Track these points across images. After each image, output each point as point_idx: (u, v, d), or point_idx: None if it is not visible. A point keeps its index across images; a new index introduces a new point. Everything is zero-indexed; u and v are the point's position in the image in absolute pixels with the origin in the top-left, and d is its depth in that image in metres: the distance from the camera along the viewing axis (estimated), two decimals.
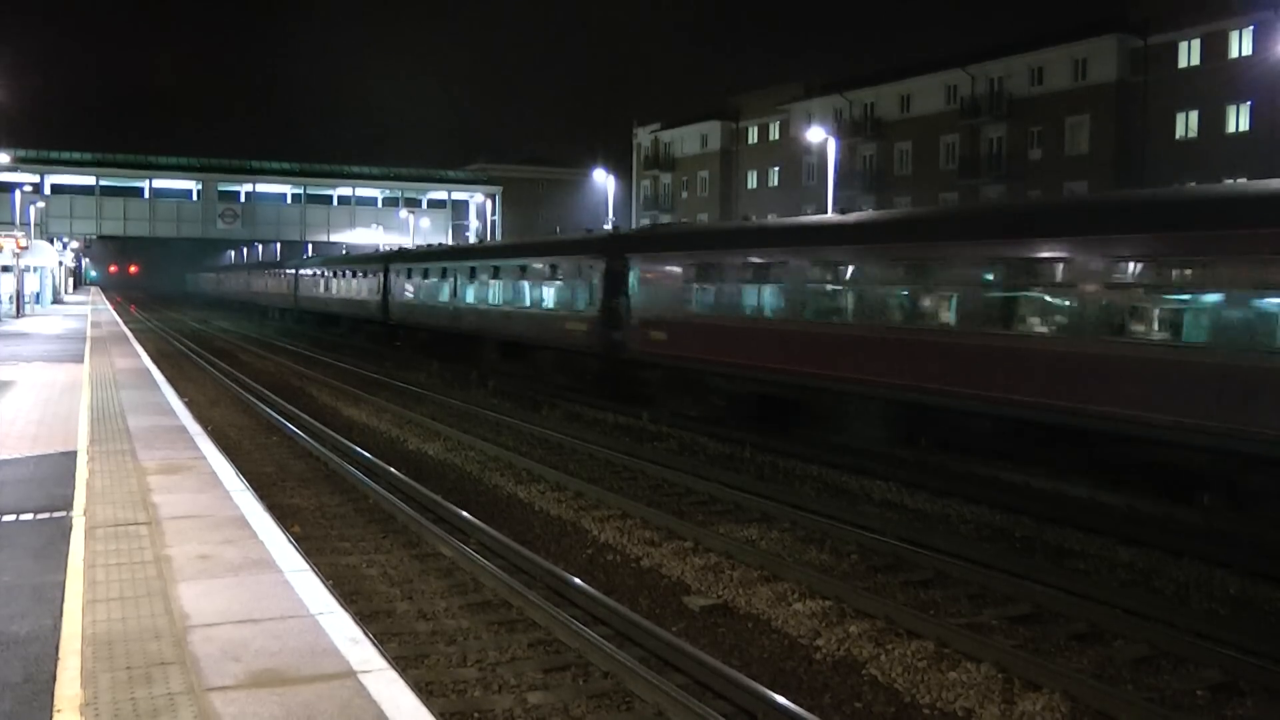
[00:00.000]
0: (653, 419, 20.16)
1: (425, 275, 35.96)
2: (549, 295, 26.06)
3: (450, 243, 64.65)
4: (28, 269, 47.90)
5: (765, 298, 18.12)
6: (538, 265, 26.80)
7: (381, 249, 64.00)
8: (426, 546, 10.96)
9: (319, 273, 53.74)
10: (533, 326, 26.80)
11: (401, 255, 42.21)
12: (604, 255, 23.17)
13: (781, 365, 17.11)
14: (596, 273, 23.34)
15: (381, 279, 40.82)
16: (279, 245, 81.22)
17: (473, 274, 31.32)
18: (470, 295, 31.49)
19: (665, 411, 20.39)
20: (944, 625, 8.49)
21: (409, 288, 37.94)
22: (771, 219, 31.50)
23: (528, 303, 27.22)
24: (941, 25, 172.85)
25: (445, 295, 33.54)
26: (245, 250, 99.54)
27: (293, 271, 60.16)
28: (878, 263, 15.79)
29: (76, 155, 69.57)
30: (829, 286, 16.92)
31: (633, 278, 21.72)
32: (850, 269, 16.43)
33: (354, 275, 45.92)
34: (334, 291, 49.73)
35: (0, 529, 7.87)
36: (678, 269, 20.41)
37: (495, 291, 29.64)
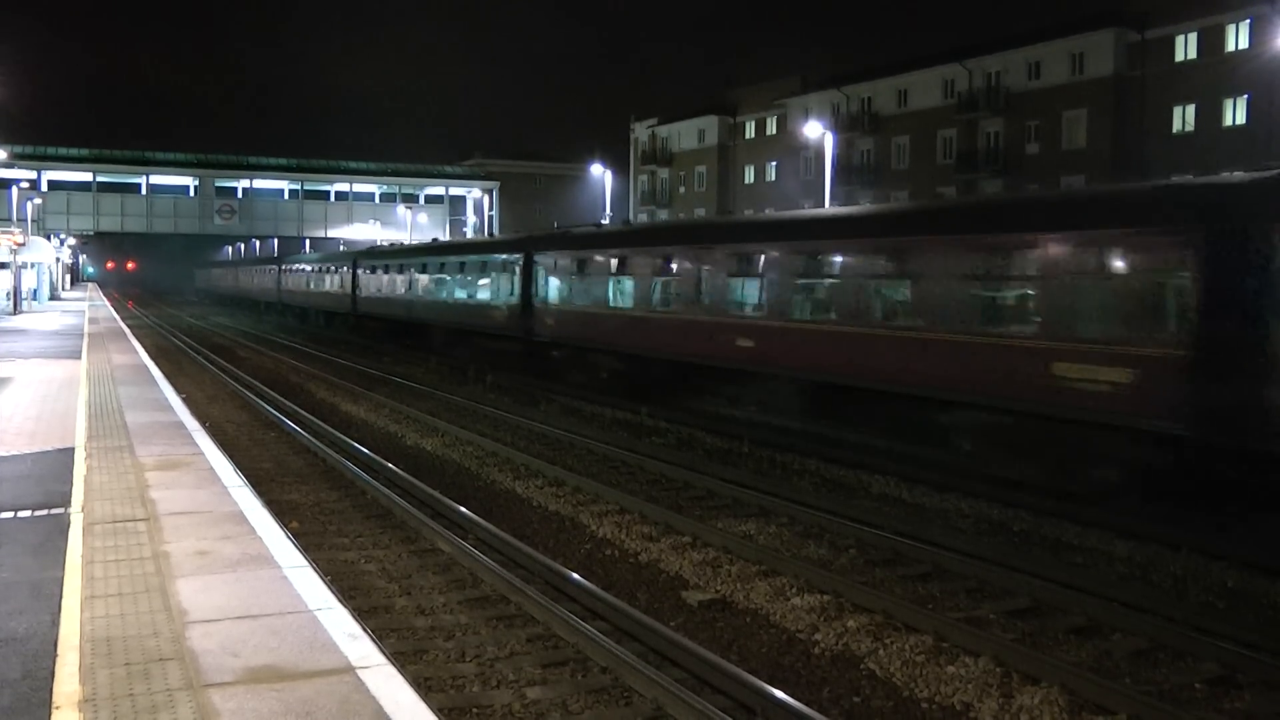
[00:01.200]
0: (650, 414, 19.96)
1: (623, 266, 22.57)
2: (983, 306, 13.79)
3: (447, 238, 63.96)
4: (25, 265, 47.84)
5: None
6: (938, 258, 14.13)
7: (380, 243, 63.52)
8: (424, 542, 10.96)
9: (397, 266, 39.37)
10: (932, 363, 14.09)
11: (561, 239, 26.76)
12: (1199, 225, 10.91)
13: None
14: (1178, 270, 11.16)
15: (518, 275, 27.53)
16: (276, 240, 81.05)
17: (743, 264, 18.37)
18: (742, 299, 18.48)
19: None
20: (942, 619, 8.50)
21: (581, 287, 24.55)
22: None
23: (920, 317, 14.43)
24: (938, 20, 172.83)
25: (679, 298, 20.23)
26: (244, 246, 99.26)
27: (348, 267, 45.94)
28: None
29: (73, 151, 69.41)
30: None
31: None
32: None
33: (463, 270, 32.49)
34: (424, 293, 36.29)
35: None
36: None
37: (818, 296, 16.78)
